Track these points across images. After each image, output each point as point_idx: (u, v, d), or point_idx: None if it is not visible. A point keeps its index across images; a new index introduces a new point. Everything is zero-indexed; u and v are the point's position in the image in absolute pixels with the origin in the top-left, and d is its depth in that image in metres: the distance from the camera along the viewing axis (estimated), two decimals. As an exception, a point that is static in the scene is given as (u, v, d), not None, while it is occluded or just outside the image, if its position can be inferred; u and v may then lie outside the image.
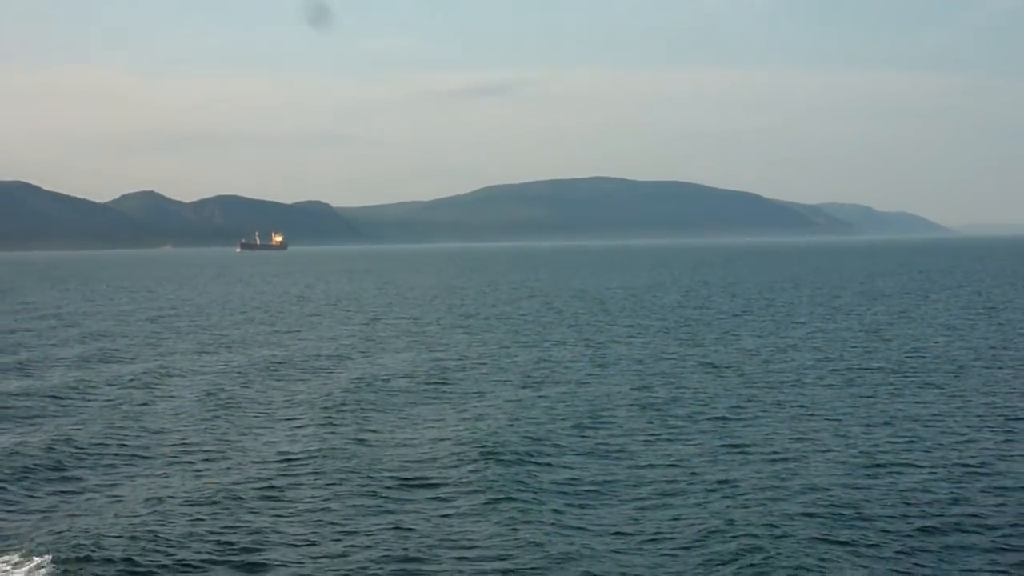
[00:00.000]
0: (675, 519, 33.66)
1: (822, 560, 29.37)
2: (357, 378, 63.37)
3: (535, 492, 36.67)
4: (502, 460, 40.67)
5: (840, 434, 45.79)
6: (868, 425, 47.70)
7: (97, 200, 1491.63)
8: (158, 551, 30.11)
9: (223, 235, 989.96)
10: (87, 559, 28.96)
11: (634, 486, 37.66)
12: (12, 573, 27.96)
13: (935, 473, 39.02)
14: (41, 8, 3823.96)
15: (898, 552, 30.36)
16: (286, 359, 74.07)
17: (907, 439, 44.63)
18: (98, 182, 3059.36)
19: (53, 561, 28.55)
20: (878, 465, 40.27)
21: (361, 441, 44.90)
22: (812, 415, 50.30)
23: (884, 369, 65.17)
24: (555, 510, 34.55)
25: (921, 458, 41.40)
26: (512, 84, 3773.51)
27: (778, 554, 29.64)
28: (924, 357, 70.57)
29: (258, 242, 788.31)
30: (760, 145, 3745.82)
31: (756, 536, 31.12)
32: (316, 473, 39.26)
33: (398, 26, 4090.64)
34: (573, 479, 38.78)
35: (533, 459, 41.38)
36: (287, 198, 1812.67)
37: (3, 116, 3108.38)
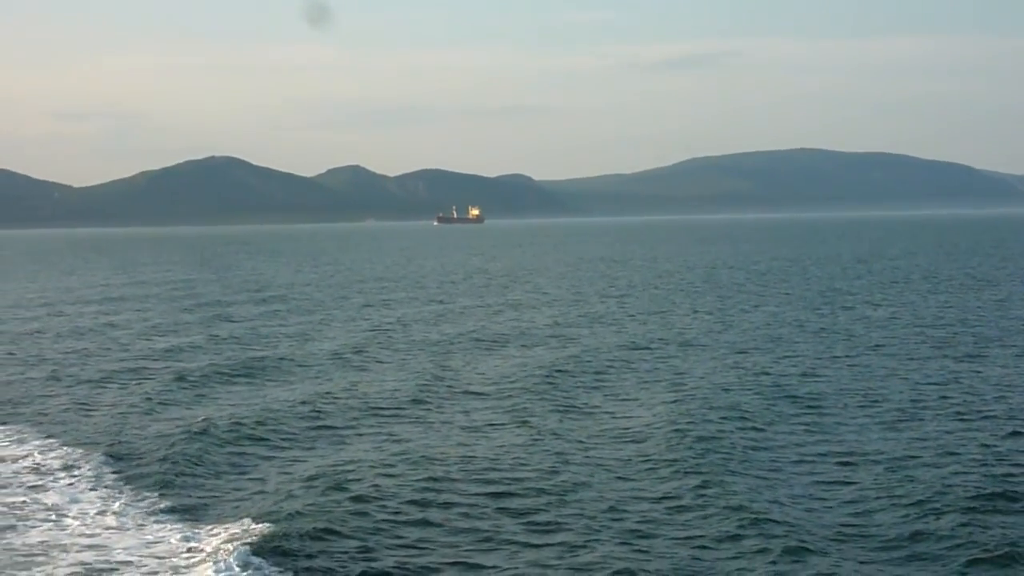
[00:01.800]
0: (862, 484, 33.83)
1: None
2: (558, 352, 63.11)
3: (733, 460, 36.58)
4: (699, 431, 40.20)
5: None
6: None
7: (304, 174, 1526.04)
8: (368, 522, 30.51)
9: (425, 208, 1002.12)
10: (297, 526, 29.45)
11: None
12: (224, 539, 28.62)
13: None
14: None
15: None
16: (488, 331, 74.54)
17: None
18: (305, 157, 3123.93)
19: (264, 528, 29.19)
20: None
21: (565, 413, 44.78)
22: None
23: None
24: (758, 483, 34.12)
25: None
26: (715, 55, 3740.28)
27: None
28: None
29: (455, 216, 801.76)
30: (969, 114, 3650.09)
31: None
32: (523, 444, 39.13)
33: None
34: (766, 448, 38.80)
35: (728, 429, 41.03)
36: (489, 171, 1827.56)
37: (217, 93, 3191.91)
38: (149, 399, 49.05)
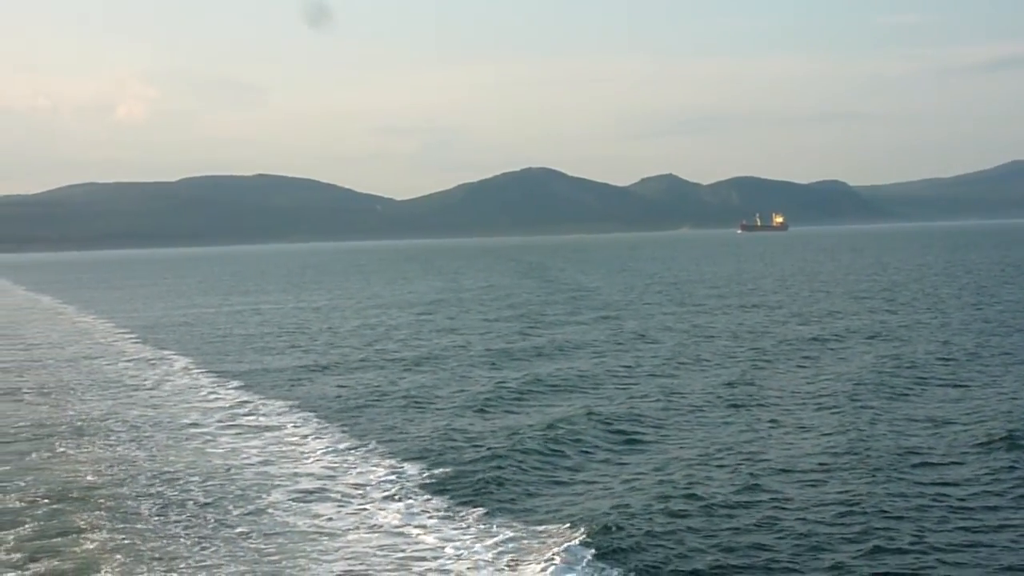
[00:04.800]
0: None
1: None
2: (871, 360, 59.33)
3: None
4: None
5: None
6: None
7: (618, 184, 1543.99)
8: (685, 532, 29.39)
9: (738, 216, 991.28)
10: (616, 533, 28.76)
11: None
12: (546, 542, 28.23)
13: None
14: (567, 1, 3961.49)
15: None
16: (799, 339, 71.09)
17: None
18: (619, 166, 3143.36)
19: (583, 532, 28.54)
20: None
21: (884, 429, 41.13)
22: None
23: None
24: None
25: None
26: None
27: None
28: None
29: (759, 223, 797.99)
30: None
31: None
32: (843, 460, 36.44)
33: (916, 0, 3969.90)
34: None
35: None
36: (803, 178, 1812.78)
37: (532, 105, 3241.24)
38: (470, 407, 49.01)
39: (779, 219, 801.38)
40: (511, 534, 29.32)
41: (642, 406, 47.42)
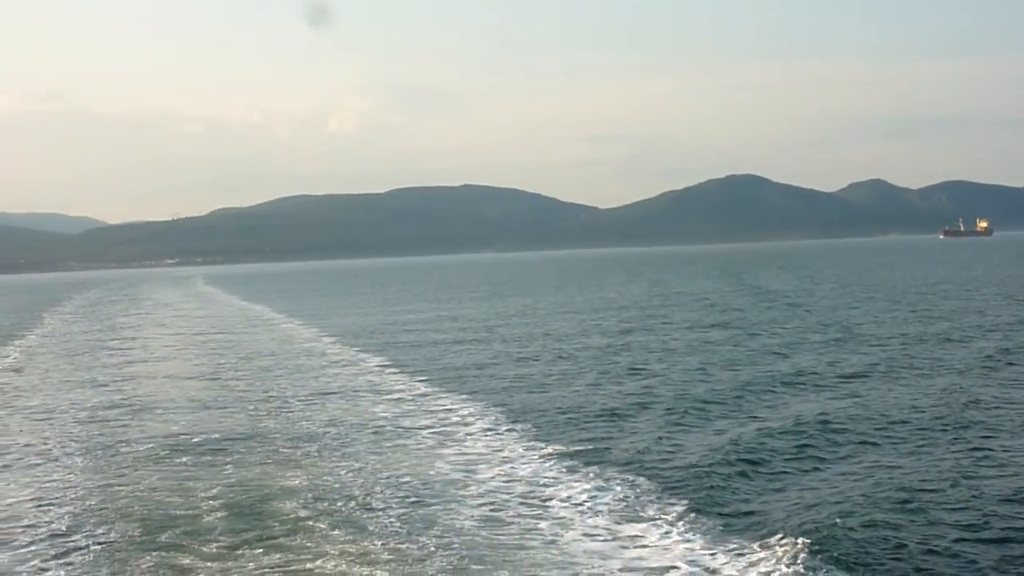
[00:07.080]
0: None
1: None
2: None
3: None
4: None
5: None
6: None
7: (825, 190, 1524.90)
8: (904, 536, 28.76)
9: (948, 222, 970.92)
10: (837, 538, 28.21)
11: None
12: (768, 549, 27.78)
13: None
14: (785, 7, 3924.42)
15: None
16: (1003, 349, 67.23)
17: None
18: (826, 171, 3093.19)
19: (806, 539, 27.88)
20: None
21: None
22: None
23: None
24: None
25: None
26: None
27: None
28: None
29: (962, 228, 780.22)
30: None
31: None
32: None
33: None
34: None
35: None
36: (1017, 181, 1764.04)
37: (735, 111, 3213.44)
38: (676, 410, 49.26)
39: (983, 224, 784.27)
40: (719, 532, 29.82)
41: (861, 410, 47.16)
